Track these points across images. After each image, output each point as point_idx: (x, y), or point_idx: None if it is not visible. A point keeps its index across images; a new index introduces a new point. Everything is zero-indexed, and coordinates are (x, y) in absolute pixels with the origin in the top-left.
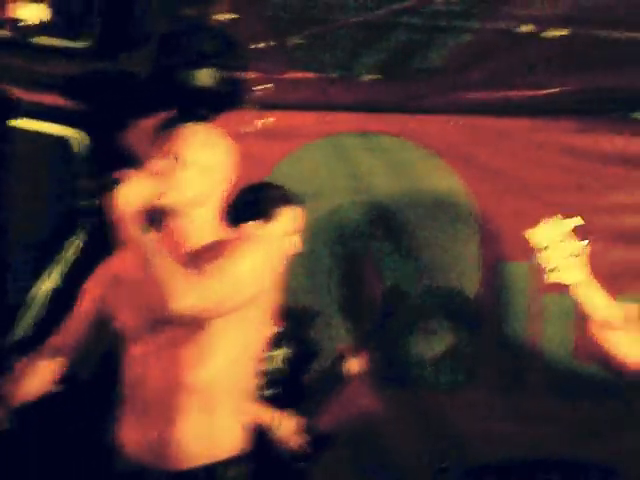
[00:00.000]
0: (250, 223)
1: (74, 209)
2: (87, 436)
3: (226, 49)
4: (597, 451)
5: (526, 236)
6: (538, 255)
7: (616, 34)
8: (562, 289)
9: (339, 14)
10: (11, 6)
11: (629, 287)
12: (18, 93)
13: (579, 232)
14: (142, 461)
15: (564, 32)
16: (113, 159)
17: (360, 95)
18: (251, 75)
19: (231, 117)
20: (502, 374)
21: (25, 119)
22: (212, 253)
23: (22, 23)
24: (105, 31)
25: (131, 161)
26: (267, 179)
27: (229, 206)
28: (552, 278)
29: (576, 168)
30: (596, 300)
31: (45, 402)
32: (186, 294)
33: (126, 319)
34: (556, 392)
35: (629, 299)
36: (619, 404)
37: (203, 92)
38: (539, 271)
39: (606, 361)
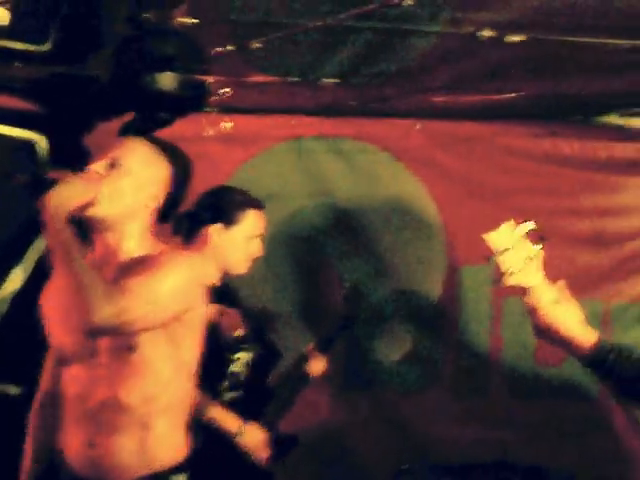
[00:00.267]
0: (212, 227)
1: (37, 211)
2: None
3: (187, 53)
4: (557, 455)
5: (485, 239)
6: (496, 258)
7: (577, 39)
8: (522, 293)
9: (300, 18)
10: None
11: (593, 290)
12: None
13: (535, 236)
14: (84, 474)
15: (525, 37)
16: (74, 162)
17: (321, 99)
18: (212, 79)
19: (192, 121)
20: (464, 377)
21: None
22: (139, 268)
23: None
24: (66, 35)
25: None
26: (228, 183)
27: (192, 209)
28: (510, 281)
29: (538, 172)
30: (553, 304)
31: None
32: (104, 306)
33: (60, 336)
34: (517, 395)
35: (594, 302)
36: (580, 407)
37: (164, 96)
38: (497, 275)
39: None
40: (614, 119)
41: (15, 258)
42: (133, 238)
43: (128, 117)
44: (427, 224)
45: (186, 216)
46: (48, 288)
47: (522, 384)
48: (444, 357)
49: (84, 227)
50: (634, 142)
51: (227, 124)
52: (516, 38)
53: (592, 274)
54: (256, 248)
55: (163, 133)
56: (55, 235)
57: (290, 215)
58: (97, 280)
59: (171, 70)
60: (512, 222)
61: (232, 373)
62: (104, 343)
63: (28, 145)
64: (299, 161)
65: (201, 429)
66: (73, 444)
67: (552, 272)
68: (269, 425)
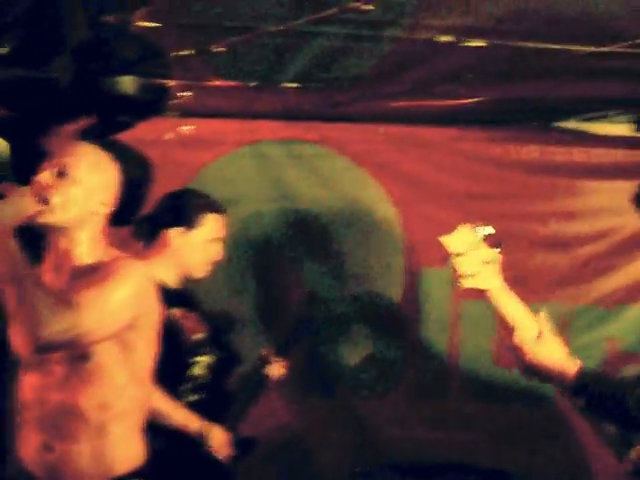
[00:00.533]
0: (172, 230)
1: None
2: None
3: (148, 56)
4: (516, 457)
5: (442, 242)
6: (453, 261)
7: (535, 45)
8: (480, 295)
9: (261, 22)
10: None
11: (550, 293)
12: None
13: (492, 240)
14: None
15: (484, 42)
16: (33, 166)
17: (282, 103)
18: (173, 82)
19: (153, 124)
20: (423, 380)
21: None
22: (90, 278)
23: None
24: (26, 37)
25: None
26: (189, 186)
27: (152, 212)
28: (467, 284)
29: (497, 177)
30: (510, 306)
31: None
32: (53, 323)
33: (17, 344)
34: (476, 398)
35: (551, 305)
36: (538, 410)
37: (125, 99)
38: (455, 278)
39: (542, 372)
40: (573, 124)
41: None
42: (84, 244)
43: (88, 121)
44: (386, 228)
45: (146, 219)
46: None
47: (481, 387)
48: (403, 360)
49: (37, 231)
50: (592, 147)
51: (188, 128)
52: (475, 44)
53: (550, 277)
54: (216, 252)
55: (124, 137)
56: (1, 254)
57: (250, 219)
58: (45, 296)
59: (132, 73)
60: (469, 225)
61: (192, 376)
62: (57, 353)
63: None
64: (259, 165)
65: (159, 433)
66: (30, 449)
67: (510, 276)
68: (229, 428)
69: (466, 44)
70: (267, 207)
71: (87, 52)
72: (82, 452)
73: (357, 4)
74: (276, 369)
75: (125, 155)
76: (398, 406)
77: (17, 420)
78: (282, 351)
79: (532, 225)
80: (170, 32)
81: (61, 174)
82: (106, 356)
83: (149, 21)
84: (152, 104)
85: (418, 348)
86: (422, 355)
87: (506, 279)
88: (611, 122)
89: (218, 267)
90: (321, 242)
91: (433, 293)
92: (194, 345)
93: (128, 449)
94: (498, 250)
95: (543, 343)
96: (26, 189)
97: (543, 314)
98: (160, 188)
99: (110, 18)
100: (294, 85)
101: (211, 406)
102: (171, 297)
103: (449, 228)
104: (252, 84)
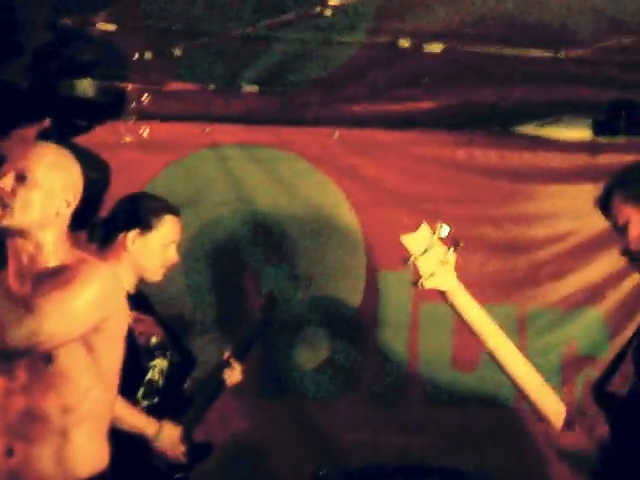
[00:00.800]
0: (128, 233)
1: None
2: None
3: (106, 59)
4: (474, 459)
5: (402, 242)
6: (414, 261)
7: (495, 50)
8: (439, 298)
9: (221, 26)
10: None
11: (507, 296)
12: None
13: (449, 240)
14: None
15: (443, 47)
16: None
17: (241, 107)
18: (131, 86)
19: (111, 128)
20: (382, 384)
21: None
22: (54, 281)
23: None
24: None
25: None
26: (147, 190)
27: (108, 215)
28: (428, 284)
29: (455, 180)
30: (468, 307)
31: None
32: (15, 329)
33: None
34: (434, 401)
35: (508, 308)
36: (496, 413)
37: (83, 102)
38: (412, 281)
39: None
40: (531, 129)
41: None
42: (48, 246)
43: (46, 124)
44: (346, 231)
45: (102, 222)
46: None
47: (439, 390)
48: (362, 364)
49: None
50: (550, 151)
51: (146, 131)
52: (434, 48)
53: (507, 280)
54: (172, 255)
55: (81, 140)
56: None
57: (209, 222)
58: (7, 301)
59: (90, 77)
60: (426, 226)
61: (148, 380)
62: (21, 358)
63: None
64: (218, 169)
65: (121, 437)
66: None
67: (467, 279)
68: (184, 432)
69: (425, 49)
70: (226, 210)
71: (45, 55)
72: (44, 455)
73: (317, 9)
74: (233, 373)
75: (83, 158)
76: (356, 410)
77: None
78: (239, 355)
79: (490, 229)
80: (129, 35)
81: (21, 178)
82: (70, 359)
83: (108, 24)
84: (110, 107)
85: (377, 351)
86: (381, 359)
87: (464, 282)
88: (569, 127)
89: (176, 270)
90: (280, 245)
91: (392, 296)
92: (149, 349)
93: (91, 453)
94: (453, 250)
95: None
96: None
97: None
98: (118, 191)
99: (69, 21)
100: (254, 89)
101: (166, 410)
102: (127, 301)
103: (408, 231)
104: (211, 87)
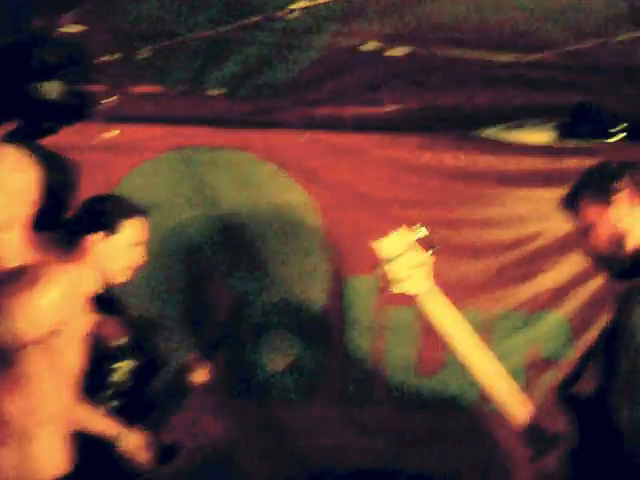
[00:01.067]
0: (93, 235)
1: None
2: None
3: (73, 61)
4: (439, 462)
5: (373, 247)
6: (384, 266)
7: (457, 54)
8: (405, 302)
9: (188, 28)
10: None
11: (473, 300)
12: None
13: (424, 243)
14: None
15: (406, 50)
16: None
17: (207, 109)
18: (98, 88)
19: (78, 130)
20: (347, 387)
21: None
22: (16, 281)
23: None
24: None
25: None
26: (114, 192)
27: (73, 217)
28: (398, 289)
29: (418, 184)
30: (440, 310)
31: None
32: None
33: None
34: (400, 404)
35: (474, 311)
36: (460, 415)
37: (49, 104)
38: (384, 283)
39: None
40: (493, 132)
41: None
42: (9, 248)
43: (12, 125)
44: (312, 234)
45: (67, 224)
46: None
47: (404, 392)
48: (327, 367)
49: None
50: (513, 155)
51: (114, 133)
52: (398, 52)
53: (472, 284)
54: (138, 256)
55: (48, 142)
56: None
57: (175, 224)
58: None
59: (57, 78)
60: (400, 229)
61: (113, 382)
62: None
63: None
64: (185, 171)
65: (84, 439)
66: None
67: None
68: (150, 435)
69: (389, 52)
70: (192, 213)
71: (11, 57)
72: (6, 459)
73: (283, 12)
74: (200, 375)
75: (49, 160)
76: (322, 412)
77: None
78: (206, 356)
79: (454, 232)
80: (96, 37)
81: None
82: (32, 361)
83: (75, 25)
84: (77, 109)
85: (342, 354)
86: (346, 362)
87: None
88: (533, 131)
89: (143, 272)
90: (246, 248)
91: (358, 300)
92: (114, 351)
93: (53, 456)
94: (430, 252)
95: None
96: None
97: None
98: (86, 193)
99: (35, 22)
100: (220, 91)
101: (132, 412)
102: (92, 302)
103: (373, 234)
104: (178, 90)
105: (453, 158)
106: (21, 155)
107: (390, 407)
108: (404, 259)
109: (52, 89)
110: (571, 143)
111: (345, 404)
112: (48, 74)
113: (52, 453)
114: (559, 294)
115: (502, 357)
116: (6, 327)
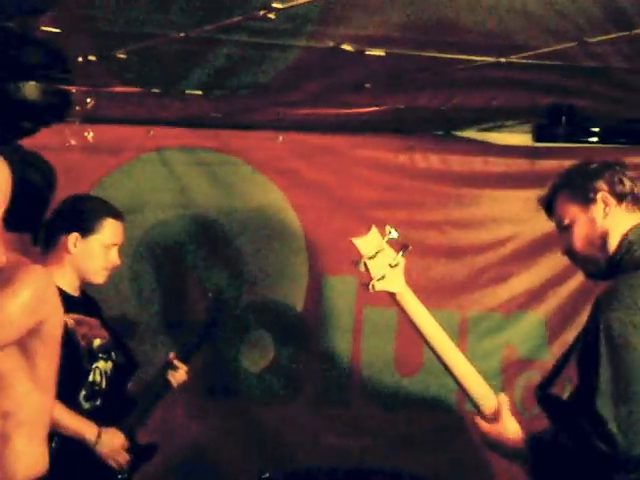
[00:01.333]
0: (69, 235)
1: None
2: None
3: (51, 62)
4: (417, 463)
5: (354, 243)
6: (362, 264)
7: (436, 54)
8: (384, 302)
9: (165, 29)
10: None
11: (448, 301)
12: None
13: (397, 244)
14: None
15: (385, 52)
16: None
17: (185, 110)
18: (75, 89)
19: (55, 130)
20: (325, 387)
21: None
22: None
23: None
24: None
25: None
26: (92, 193)
27: (51, 217)
28: (378, 287)
29: (396, 185)
30: (416, 309)
31: None
32: None
33: None
34: (378, 405)
35: (449, 313)
36: (438, 416)
37: (27, 105)
38: (362, 283)
39: None
40: (472, 134)
41: None
42: None
43: None
44: (289, 235)
45: (43, 225)
46: None
47: (382, 394)
48: (306, 367)
49: None
50: (491, 156)
51: (90, 134)
52: (376, 53)
53: (447, 285)
54: (114, 257)
55: (26, 142)
56: None
57: (153, 225)
58: None
59: (34, 79)
60: (377, 229)
61: (90, 383)
62: None
63: None
64: (162, 172)
65: (61, 440)
66: None
67: (409, 284)
68: (128, 434)
69: (367, 53)
70: (170, 214)
71: None
72: None
73: (261, 12)
74: (178, 375)
75: (27, 161)
76: (301, 413)
77: None
78: (184, 357)
79: (432, 233)
80: (73, 38)
81: None
82: (5, 363)
83: (52, 26)
84: (55, 110)
85: (320, 354)
86: (325, 362)
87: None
88: (510, 132)
89: (121, 273)
90: (223, 249)
91: (336, 300)
92: (92, 351)
93: (30, 457)
94: (402, 253)
95: (498, 426)
96: None
97: (503, 396)
98: (63, 194)
99: (13, 23)
100: (197, 92)
101: (109, 413)
102: (70, 303)
103: (351, 235)
104: (155, 91)
105: (430, 159)
106: None
107: (367, 407)
108: (381, 258)
109: (30, 90)
110: (548, 145)
111: (322, 404)
112: (25, 75)
113: (29, 455)
114: (536, 295)
115: (478, 358)
116: None
